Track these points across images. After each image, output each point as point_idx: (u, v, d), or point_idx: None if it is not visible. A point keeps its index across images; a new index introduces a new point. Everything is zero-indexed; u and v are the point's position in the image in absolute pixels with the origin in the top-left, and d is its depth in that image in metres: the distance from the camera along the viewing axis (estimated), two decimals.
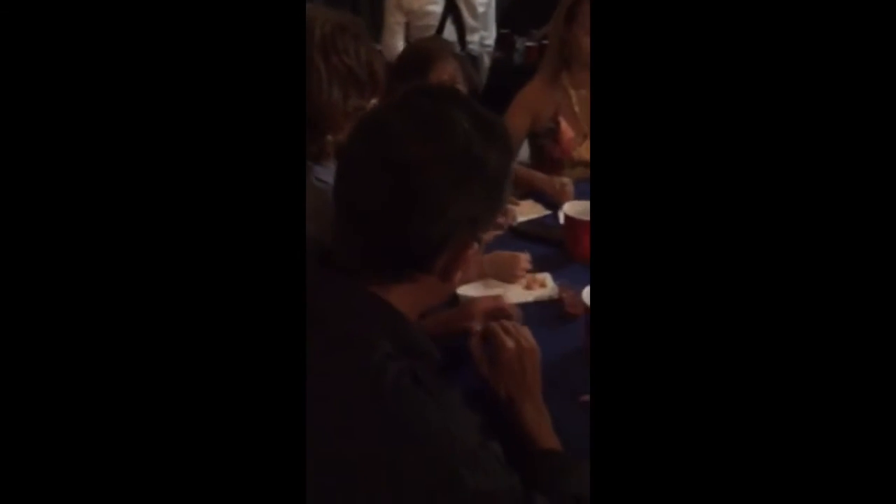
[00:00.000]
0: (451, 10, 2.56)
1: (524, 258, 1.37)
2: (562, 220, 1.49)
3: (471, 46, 2.64)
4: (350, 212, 0.70)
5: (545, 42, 3.74)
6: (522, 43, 3.67)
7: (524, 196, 1.73)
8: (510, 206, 1.61)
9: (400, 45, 2.61)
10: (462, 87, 1.46)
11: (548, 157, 1.92)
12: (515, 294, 1.31)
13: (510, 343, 0.91)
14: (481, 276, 1.35)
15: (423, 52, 1.49)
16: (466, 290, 1.34)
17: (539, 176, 1.78)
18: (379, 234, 0.68)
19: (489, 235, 1.40)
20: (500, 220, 1.58)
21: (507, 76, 2.62)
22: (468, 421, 0.69)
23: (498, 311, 1.07)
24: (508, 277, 1.35)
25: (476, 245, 0.71)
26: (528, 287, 1.34)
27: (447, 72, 1.46)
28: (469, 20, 2.60)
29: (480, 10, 2.60)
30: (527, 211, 1.67)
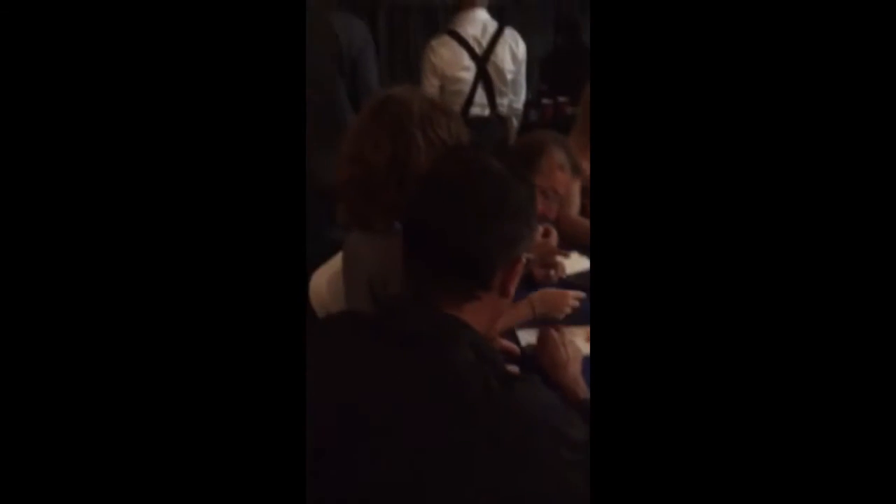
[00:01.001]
0: (482, 76, 2.72)
1: (572, 294, 1.50)
2: None
3: (500, 109, 2.79)
4: (421, 246, 0.88)
5: (561, 100, 3.94)
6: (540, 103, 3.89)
7: (572, 249, 1.83)
8: (560, 260, 1.71)
9: None
10: (568, 171, 1.65)
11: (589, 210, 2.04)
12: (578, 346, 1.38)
13: (560, 346, 1.27)
14: (533, 316, 1.47)
15: (535, 143, 1.69)
16: (525, 337, 1.42)
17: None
18: (446, 256, 0.86)
19: (544, 274, 1.66)
20: (552, 272, 1.69)
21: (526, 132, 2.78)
22: (547, 390, 0.86)
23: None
24: (557, 313, 1.49)
25: (523, 260, 0.89)
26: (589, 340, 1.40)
27: (556, 159, 1.64)
28: (499, 85, 2.75)
29: (509, 76, 2.75)
30: (574, 263, 1.77)
